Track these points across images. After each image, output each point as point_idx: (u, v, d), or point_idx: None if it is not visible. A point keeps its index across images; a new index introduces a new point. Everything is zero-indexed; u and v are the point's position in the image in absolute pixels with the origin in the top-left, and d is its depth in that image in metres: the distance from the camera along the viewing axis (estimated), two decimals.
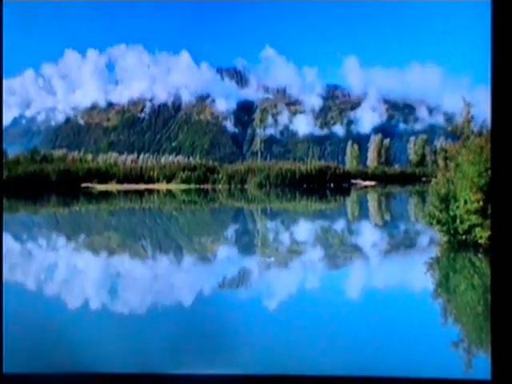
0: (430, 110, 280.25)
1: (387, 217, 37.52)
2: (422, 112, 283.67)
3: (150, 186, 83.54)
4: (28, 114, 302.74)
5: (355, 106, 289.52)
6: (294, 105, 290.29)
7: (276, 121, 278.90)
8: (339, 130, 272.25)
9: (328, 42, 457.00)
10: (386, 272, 16.09)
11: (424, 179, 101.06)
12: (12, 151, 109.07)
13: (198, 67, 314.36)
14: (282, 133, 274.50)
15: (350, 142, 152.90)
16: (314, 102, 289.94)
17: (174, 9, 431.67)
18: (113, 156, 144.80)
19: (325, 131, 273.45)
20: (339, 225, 31.15)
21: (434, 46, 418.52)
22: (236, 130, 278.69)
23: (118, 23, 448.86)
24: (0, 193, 27.68)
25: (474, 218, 16.13)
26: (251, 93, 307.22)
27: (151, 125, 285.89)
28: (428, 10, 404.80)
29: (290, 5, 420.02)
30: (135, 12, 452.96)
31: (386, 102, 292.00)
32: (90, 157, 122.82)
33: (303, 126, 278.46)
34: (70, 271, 16.45)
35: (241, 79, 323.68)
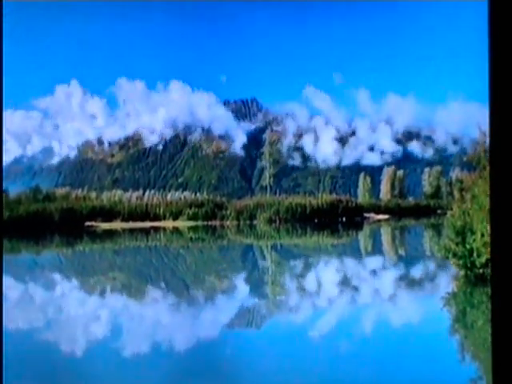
0: (445, 140, 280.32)
1: (401, 251, 37.43)
2: (436, 142, 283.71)
3: (156, 224, 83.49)
4: (29, 151, 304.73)
5: (367, 137, 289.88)
6: (303, 137, 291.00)
7: (285, 154, 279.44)
8: (351, 162, 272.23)
9: (337, 71, 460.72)
10: (401, 308, 16.07)
11: (439, 212, 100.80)
12: (13, 190, 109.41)
13: (204, 100, 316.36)
14: (291, 166, 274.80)
15: (362, 175, 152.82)
16: (325, 134, 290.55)
17: (179, 42, 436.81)
18: (117, 193, 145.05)
19: (336, 164, 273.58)
20: (352, 260, 31.10)
21: (448, 76, 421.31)
22: (244, 164, 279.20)
23: (122, 56, 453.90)
24: None
25: None
26: (260, 126, 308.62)
27: (157, 160, 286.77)
28: (440, 40, 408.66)
29: (299, 34, 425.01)
30: (140, 45, 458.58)
31: (399, 132, 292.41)
32: (93, 194, 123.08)
33: (313, 158, 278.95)
34: (74, 313, 16.50)
35: (249, 112, 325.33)
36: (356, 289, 19.76)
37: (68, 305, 18.02)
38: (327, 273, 25.41)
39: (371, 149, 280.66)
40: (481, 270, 16.82)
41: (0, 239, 24.77)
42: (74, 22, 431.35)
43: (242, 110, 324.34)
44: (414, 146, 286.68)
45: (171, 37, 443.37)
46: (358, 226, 74.64)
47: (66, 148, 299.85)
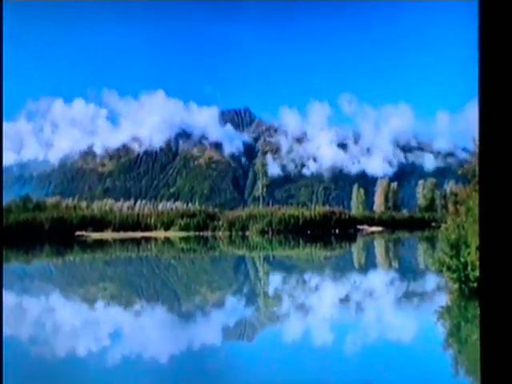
0: (439, 153, 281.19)
1: (395, 264, 37.44)
2: (430, 155, 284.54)
3: (148, 234, 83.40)
4: (20, 160, 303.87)
5: (361, 149, 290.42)
6: (297, 148, 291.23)
7: (279, 165, 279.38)
8: (344, 173, 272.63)
9: (330, 82, 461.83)
10: (394, 322, 16.06)
11: (433, 224, 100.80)
12: (3, 199, 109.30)
13: (196, 110, 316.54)
14: (284, 177, 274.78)
15: (355, 186, 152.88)
16: (318, 144, 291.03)
17: (171, 52, 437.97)
18: (108, 203, 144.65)
19: (329, 175, 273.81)
20: (345, 273, 31.08)
21: (446, 88, 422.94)
22: (237, 175, 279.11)
23: (117, 66, 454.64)
24: None
25: None
26: (253, 136, 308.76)
27: (148, 170, 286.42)
28: (438, 52, 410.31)
29: (294, 44, 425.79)
30: (134, 55, 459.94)
31: (393, 144, 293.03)
32: (84, 204, 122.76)
33: (307, 169, 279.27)
34: (64, 323, 16.44)
35: (242, 122, 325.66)
36: (348, 302, 19.76)
37: (58, 315, 17.96)
38: (320, 285, 25.40)
39: (365, 160, 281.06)
40: (475, 284, 16.78)
41: (0, 244, 24.71)
42: (64, 31, 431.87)
43: (234, 119, 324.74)
44: (409, 158, 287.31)
45: (164, 46, 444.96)
46: (352, 238, 74.68)
47: (56, 157, 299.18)
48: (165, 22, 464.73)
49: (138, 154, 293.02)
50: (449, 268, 17.78)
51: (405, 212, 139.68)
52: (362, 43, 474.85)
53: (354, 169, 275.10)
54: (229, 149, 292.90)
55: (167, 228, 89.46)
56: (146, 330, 15.11)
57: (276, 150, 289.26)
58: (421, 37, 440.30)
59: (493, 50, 3.29)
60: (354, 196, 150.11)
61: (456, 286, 17.97)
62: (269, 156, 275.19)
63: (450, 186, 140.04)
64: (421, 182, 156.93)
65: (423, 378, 9.83)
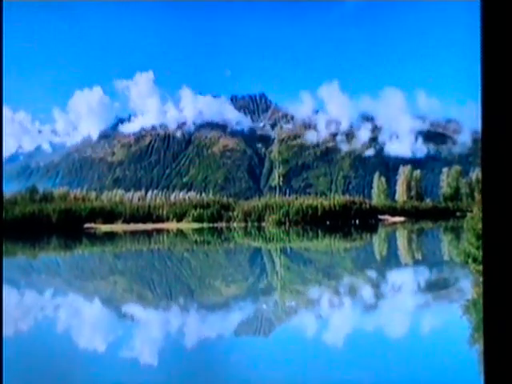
0: (465, 139, 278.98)
1: (418, 255, 37.29)
2: (455, 141, 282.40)
3: (159, 226, 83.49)
4: (26, 149, 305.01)
5: (382, 135, 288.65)
6: (315, 135, 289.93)
7: (296, 153, 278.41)
8: (365, 161, 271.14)
9: (349, 68, 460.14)
10: (418, 316, 16.00)
11: (458, 214, 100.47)
12: (9, 190, 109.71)
13: (210, 96, 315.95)
14: (302, 165, 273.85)
15: (376, 175, 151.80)
16: (337, 132, 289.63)
17: (184, 38, 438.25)
18: (118, 193, 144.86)
19: (349, 163, 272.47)
20: (366, 265, 31.01)
21: (468, 73, 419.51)
22: (252, 164, 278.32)
23: (127, 53, 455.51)
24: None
25: None
26: (269, 122, 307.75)
27: (160, 159, 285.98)
28: (465, 39, 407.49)
29: (311, 29, 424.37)
30: (145, 41, 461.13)
31: (416, 131, 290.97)
32: (93, 195, 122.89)
33: (325, 157, 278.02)
34: (73, 319, 16.50)
35: (257, 108, 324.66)
36: (369, 295, 19.70)
37: (66, 310, 18.03)
38: (339, 278, 25.35)
39: (387, 148, 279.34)
40: None
41: (0, 239, 24.80)
42: (79, 19, 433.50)
43: (250, 106, 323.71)
44: (432, 145, 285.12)
45: (177, 33, 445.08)
46: (373, 229, 74.51)
47: (64, 146, 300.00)
48: (178, 7, 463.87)
49: (150, 143, 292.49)
50: (475, 259, 17.66)
51: (428, 201, 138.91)
52: (381, 25, 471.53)
53: (375, 156, 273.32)
54: (244, 136, 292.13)
55: (180, 219, 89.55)
56: (158, 325, 15.14)
57: (293, 138, 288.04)
58: (440, 18, 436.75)
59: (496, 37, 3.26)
60: (375, 185, 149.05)
61: (482, 278, 17.82)
62: (286, 143, 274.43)
63: (475, 174, 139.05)
64: (445, 169, 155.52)
65: (449, 373, 9.79)
